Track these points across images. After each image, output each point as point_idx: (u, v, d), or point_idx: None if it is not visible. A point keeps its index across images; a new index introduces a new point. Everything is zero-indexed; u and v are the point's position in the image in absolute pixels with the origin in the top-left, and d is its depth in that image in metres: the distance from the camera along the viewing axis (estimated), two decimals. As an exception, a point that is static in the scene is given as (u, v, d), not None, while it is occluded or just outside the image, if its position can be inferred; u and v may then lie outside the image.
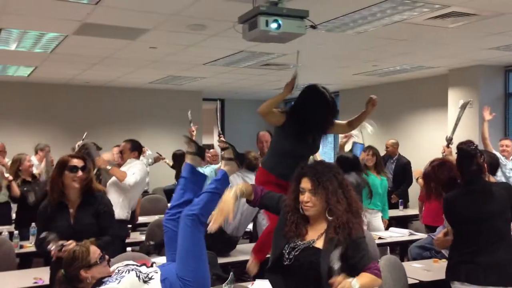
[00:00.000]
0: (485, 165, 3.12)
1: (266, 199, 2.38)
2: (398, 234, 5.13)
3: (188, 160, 2.88)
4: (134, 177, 4.40)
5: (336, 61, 6.57)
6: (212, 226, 2.20)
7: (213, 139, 12.16)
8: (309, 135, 3.19)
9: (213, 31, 4.88)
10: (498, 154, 6.07)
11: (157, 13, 4.33)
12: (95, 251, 2.43)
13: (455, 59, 6.57)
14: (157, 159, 7.80)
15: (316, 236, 2.16)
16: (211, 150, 6.67)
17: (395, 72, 7.55)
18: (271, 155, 3.25)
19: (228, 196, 2.26)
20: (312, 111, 3.11)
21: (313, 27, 3.59)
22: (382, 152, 7.36)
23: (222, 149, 2.95)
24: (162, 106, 9.74)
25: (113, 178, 4.43)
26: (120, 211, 4.32)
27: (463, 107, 4.79)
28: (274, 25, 3.39)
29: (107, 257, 2.48)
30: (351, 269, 2.13)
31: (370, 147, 5.66)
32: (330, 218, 2.14)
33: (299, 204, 2.18)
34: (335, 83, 8.52)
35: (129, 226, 4.76)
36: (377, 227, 5.29)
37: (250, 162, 4.31)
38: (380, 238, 4.87)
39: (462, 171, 3.05)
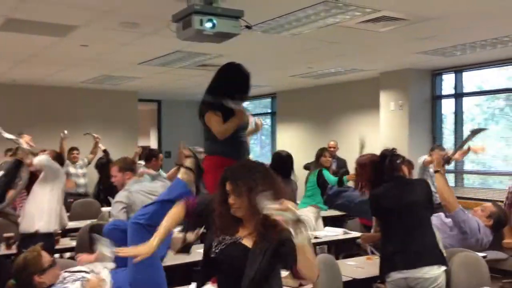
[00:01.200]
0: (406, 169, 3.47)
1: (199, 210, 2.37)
2: (333, 233, 5.25)
3: (181, 175, 2.80)
4: (39, 158, 4.17)
5: (272, 62, 6.62)
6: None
7: (150, 141, 11.93)
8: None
9: (147, 29, 4.77)
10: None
11: (87, 9, 4.17)
12: (45, 255, 2.32)
13: (386, 62, 6.80)
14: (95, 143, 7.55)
15: (244, 234, 2.17)
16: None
17: (330, 74, 7.72)
18: (214, 140, 3.23)
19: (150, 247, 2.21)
20: (232, 80, 3.22)
21: (248, 27, 3.60)
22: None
23: (186, 156, 2.92)
24: (95, 107, 9.40)
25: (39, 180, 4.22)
26: (46, 223, 4.13)
27: (474, 133, 4.34)
28: (208, 25, 3.37)
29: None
30: (283, 266, 2.19)
31: (324, 149, 5.94)
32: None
33: (228, 205, 2.18)
34: (271, 84, 8.61)
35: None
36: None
37: None
38: (316, 237, 4.95)
39: (386, 172, 3.30)
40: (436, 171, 3.83)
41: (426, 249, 3.13)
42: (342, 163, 7.41)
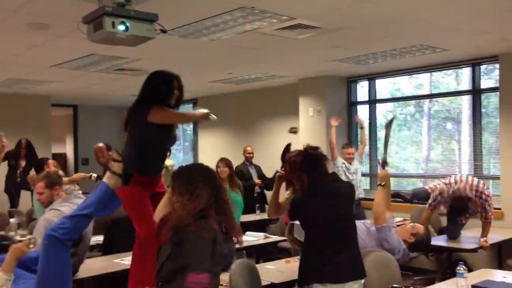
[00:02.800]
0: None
1: None
2: (253, 238, 5.26)
3: (107, 179, 2.64)
4: None
5: (192, 68, 6.55)
6: None
7: (66, 148, 11.42)
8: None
9: (58, 31, 4.55)
10: (341, 159, 6.59)
11: (-10, 8, 3.91)
12: None
13: (304, 69, 6.96)
14: None
15: None
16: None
17: (250, 80, 7.78)
18: (136, 154, 3.06)
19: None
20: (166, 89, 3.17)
21: (163, 31, 3.53)
22: (240, 159, 7.61)
23: (113, 160, 2.78)
24: (3, 112, 8.74)
25: None
26: None
27: (389, 125, 4.59)
28: (121, 27, 3.26)
29: None
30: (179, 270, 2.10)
31: (223, 159, 5.56)
32: None
33: None
34: (192, 90, 8.52)
35: None
36: None
37: None
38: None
39: (309, 174, 3.14)
40: (379, 185, 3.91)
41: (353, 263, 3.10)
42: (258, 169, 7.51)
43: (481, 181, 5.02)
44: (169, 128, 3.18)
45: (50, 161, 5.87)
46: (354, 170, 6.57)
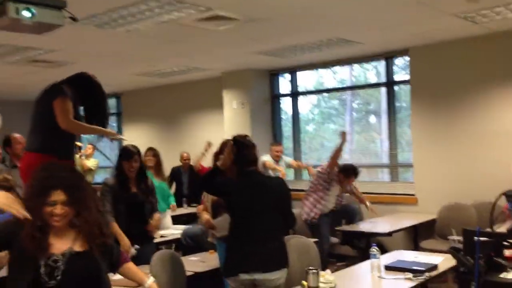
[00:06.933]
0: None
1: None
2: (178, 230, 5.27)
3: None
4: None
5: (112, 60, 6.40)
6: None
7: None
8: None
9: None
10: (268, 157, 6.66)
11: None
12: None
13: (226, 62, 6.98)
14: None
15: (69, 243, 2.12)
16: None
17: (173, 74, 7.70)
18: (42, 134, 3.14)
19: None
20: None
21: (73, 19, 3.40)
22: (165, 153, 7.50)
23: None
24: None
25: None
26: None
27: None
28: (26, 14, 3.11)
29: None
30: (111, 267, 2.25)
31: (151, 148, 5.77)
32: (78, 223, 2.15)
33: (39, 218, 2.07)
34: (114, 84, 8.32)
35: None
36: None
37: None
38: (162, 236, 5.00)
39: (239, 161, 3.21)
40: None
41: (276, 253, 3.16)
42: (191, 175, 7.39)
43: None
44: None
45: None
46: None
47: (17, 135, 5.26)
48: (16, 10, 3.07)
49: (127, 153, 3.97)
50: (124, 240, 3.73)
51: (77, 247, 2.12)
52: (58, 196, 2.07)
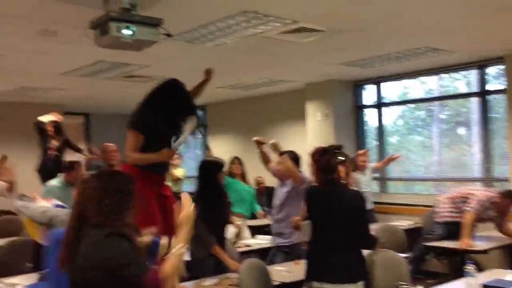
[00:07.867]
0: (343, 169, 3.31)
1: None
2: (264, 241, 5.30)
3: None
4: None
5: (200, 74, 6.61)
6: None
7: (78, 156, 11.52)
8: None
9: (66, 38, 4.66)
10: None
11: None
12: None
13: (309, 73, 7.01)
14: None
15: None
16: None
17: (257, 86, 7.84)
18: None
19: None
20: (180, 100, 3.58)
21: (168, 35, 3.61)
22: (249, 163, 7.63)
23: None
24: (14, 120, 8.77)
25: None
26: None
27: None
28: (127, 32, 3.36)
29: None
30: None
31: (236, 157, 6.11)
32: None
33: None
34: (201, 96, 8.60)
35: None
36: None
37: None
38: (246, 246, 5.09)
39: (321, 169, 3.22)
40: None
41: (348, 265, 3.07)
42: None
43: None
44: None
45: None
46: (366, 182, 6.43)
47: (110, 144, 5.74)
48: (117, 28, 3.31)
49: (221, 165, 4.14)
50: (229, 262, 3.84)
51: None
52: None
